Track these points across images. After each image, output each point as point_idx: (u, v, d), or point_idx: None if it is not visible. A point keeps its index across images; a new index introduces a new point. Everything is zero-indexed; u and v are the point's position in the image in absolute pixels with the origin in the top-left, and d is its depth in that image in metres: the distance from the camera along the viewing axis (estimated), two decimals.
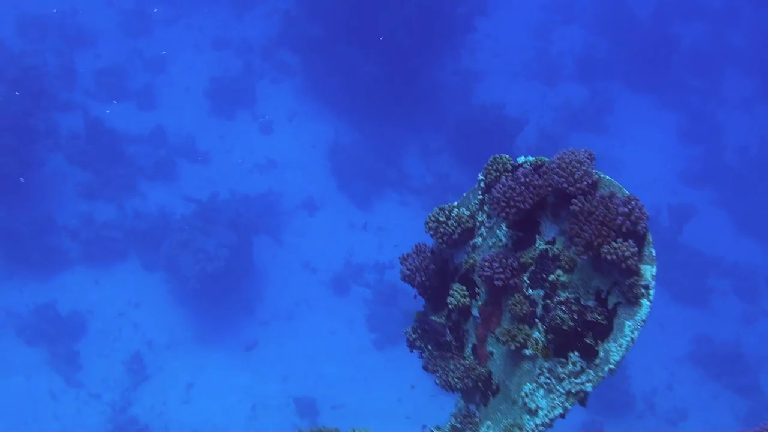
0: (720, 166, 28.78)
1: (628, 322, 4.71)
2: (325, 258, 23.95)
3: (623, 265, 4.67)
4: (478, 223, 5.87)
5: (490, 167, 5.69)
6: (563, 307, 5.00)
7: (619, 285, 4.80)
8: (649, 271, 4.75)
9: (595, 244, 4.79)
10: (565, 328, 4.91)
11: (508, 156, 5.70)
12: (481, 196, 5.85)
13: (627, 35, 32.46)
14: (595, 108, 30.09)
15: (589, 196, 5.00)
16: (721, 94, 32.23)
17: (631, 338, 4.68)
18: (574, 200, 4.97)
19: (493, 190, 5.45)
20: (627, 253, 4.65)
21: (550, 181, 5.16)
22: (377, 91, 26.00)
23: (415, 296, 6.33)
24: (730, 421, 21.96)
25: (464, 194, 6.06)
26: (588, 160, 5.17)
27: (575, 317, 4.92)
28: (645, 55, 31.66)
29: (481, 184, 5.83)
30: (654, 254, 4.80)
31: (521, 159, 5.68)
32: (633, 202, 4.78)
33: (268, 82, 28.88)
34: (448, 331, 5.99)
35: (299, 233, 24.42)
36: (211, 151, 26.10)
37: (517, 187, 5.33)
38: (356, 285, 23.52)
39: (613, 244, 4.70)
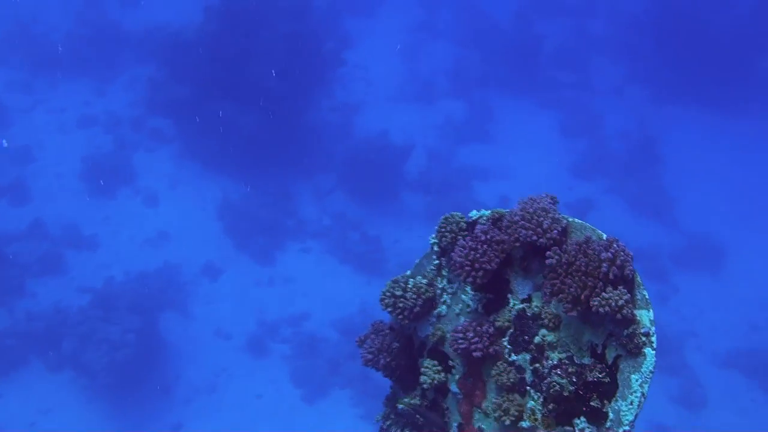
0: (606, 154, 29.19)
1: (634, 376, 4.27)
2: (236, 322, 23.07)
3: (618, 316, 4.23)
4: (439, 291, 5.36)
5: (443, 229, 5.19)
6: (559, 371, 4.53)
7: (615, 336, 4.37)
8: (646, 316, 4.34)
9: (582, 297, 4.34)
10: (565, 394, 4.43)
11: (460, 214, 5.23)
12: (437, 261, 5.34)
13: (493, 43, 32.77)
14: (476, 119, 30.21)
15: (564, 246, 4.57)
16: (592, 84, 32.81)
17: (642, 393, 4.25)
18: (549, 253, 4.54)
19: (452, 254, 4.96)
20: (620, 302, 4.22)
21: (517, 235, 4.70)
22: (258, 141, 25.38)
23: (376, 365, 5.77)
24: (665, 402, 22.10)
25: (417, 261, 5.55)
26: (552, 206, 4.75)
27: (574, 380, 4.45)
28: (514, 59, 31.99)
29: (435, 248, 5.32)
30: (647, 297, 4.40)
31: (474, 214, 5.22)
32: (615, 245, 4.37)
33: (143, 152, 27.82)
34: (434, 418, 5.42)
35: (205, 301, 23.46)
36: (98, 234, 24.88)
37: (479, 247, 4.85)
38: (274, 342, 22.73)
39: (604, 294, 4.27)
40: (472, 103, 30.83)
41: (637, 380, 4.25)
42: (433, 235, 5.31)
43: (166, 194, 26.49)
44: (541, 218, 4.62)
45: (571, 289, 4.35)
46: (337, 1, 28.49)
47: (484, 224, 4.99)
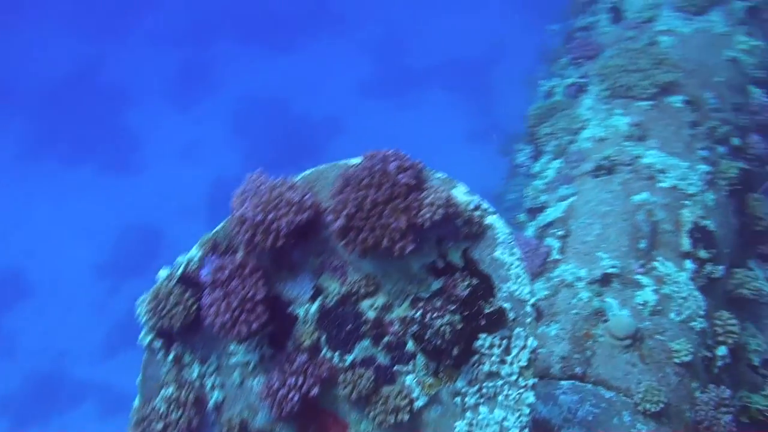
0: None
1: (498, 252, 3.74)
2: None
3: (450, 210, 3.57)
4: (197, 385, 3.95)
5: (159, 311, 3.74)
6: (432, 315, 3.71)
7: (447, 237, 3.72)
8: (459, 192, 3.76)
9: (408, 224, 3.54)
10: (459, 327, 3.68)
11: (153, 288, 3.82)
12: (171, 355, 3.90)
13: None
14: None
15: (328, 202, 3.64)
16: None
17: (518, 258, 3.75)
18: (331, 217, 3.58)
19: (206, 322, 3.64)
20: (443, 194, 3.57)
21: (276, 233, 3.58)
22: None
23: None
24: None
25: (137, 384, 3.98)
26: (269, 180, 3.71)
27: (452, 308, 3.71)
28: None
29: (156, 343, 3.86)
30: (444, 175, 3.81)
31: (165, 273, 3.87)
32: (389, 155, 3.61)
33: None
34: None
35: None
36: None
37: (229, 288, 3.63)
38: None
39: (425, 202, 3.54)
40: None
41: (504, 253, 3.72)
42: (143, 333, 3.84)
43: None
44: (285, 195, 3.59)
45: (393, 225, 3.50)
46: None
47: (207, 265, 3.72)
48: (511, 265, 3.70)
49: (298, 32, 29.57)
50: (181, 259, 3.83)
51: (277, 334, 3.86)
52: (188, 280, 3.78)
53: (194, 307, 3.73)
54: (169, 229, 21.78)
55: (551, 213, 5.92)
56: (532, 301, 3.70)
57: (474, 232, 3.69)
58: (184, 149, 26.63)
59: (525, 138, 7.43)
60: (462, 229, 3.66)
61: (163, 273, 3.84)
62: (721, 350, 5.13)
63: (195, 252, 3.81)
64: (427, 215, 3.50)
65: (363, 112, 26.83)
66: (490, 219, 3.74)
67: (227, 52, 29.55)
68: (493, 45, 24.51)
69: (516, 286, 3.70)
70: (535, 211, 6.25)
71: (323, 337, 3.84)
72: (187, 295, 3.75)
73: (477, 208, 3.73)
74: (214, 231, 3.81)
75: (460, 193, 3.74)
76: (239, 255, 3.72)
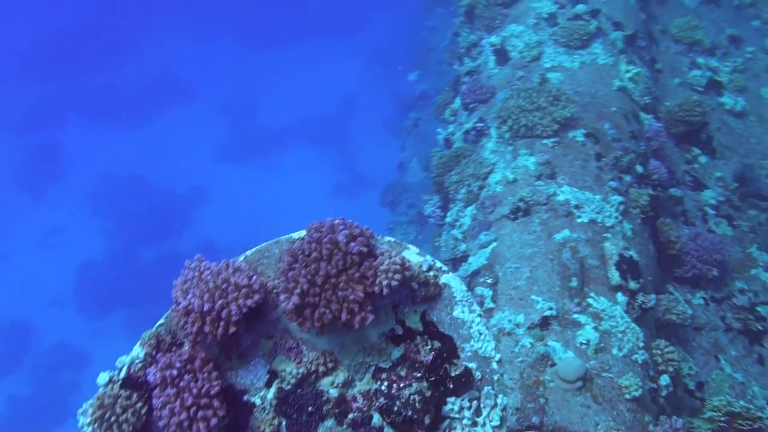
0: None
1: (456, 312, 3.63)
2: None
3: (407, 273, 3.44)
4: None
5: (102, 421, 3.42)
6: (399, 385, 3.55)
7: (404, 302, 3.58)
8: (411, 254, 3.64)
9: (365, 293, 3.39)
10: (429, 394, 3.53)
11: (100, 391, 3.51)
12: None
13: None
14: None
15: (278, 279, 3.45)
16: None
17: (479, 314, 3.64)
18: (283, 297, 3.38)
19: (159, 427, 3.36)
20: (398, 260, 3.43)
21: (227, 321, 3.36)
22: None
23: None
24: None
25: None
26: (211, 265, 3.48)
27: (418, 375, 3.56)
28: None
29: None
30: (393, 239, 3.69)
31: (104, 379, 3.56)
32: (336, 224, 3.46)
33: None
34: None
35: None
36: None
37: (181, 385, 3.39)
38: None
39: (381, 268, 3.40)
40: None
41: (464, 311, 3.61)
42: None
43: None
44: (231, 279, 3.37)
45: (351, 297, 3.33)
46: None
47: (155, 363, 3.45)
48: (472, 322, 3.58)
49: (147, 104, 28.84)
50: (123, 360, 3.52)
51: (233, 427, 3.59)
52: (133, 382, 3.48)
53: (144, 411, 3.43)
54: (37, 321, 20.68)
55: (475, 261, 5.83)
56: (498, 357, 3.58)
57: (431, 293, 3.56)
58: (43, 237, 25.41)
59: (432, 188, 7.36)
60: (418, 291, 3.52)
61: (103, 377, 3.53)
62: (664, 379, 5.12)
63: (138, 351, 3.52)
64: (384, 282, 3.35)
65: (225, 178, 26.28)
66: (445, 278, 3.62)
67: (76, 133, 28.45)
68: (349, 99, 24.56)
69: (479, 343, 3.57)
70: (456, 261, 6.15)
71: (284, 423, 3.60)
72: (134, 398, 3.44)
73: (431, 268, 3.60)
74: (157, 325, 3.54)
75: (412, 255, 3.61)
76: (186, 348, 3.45)
